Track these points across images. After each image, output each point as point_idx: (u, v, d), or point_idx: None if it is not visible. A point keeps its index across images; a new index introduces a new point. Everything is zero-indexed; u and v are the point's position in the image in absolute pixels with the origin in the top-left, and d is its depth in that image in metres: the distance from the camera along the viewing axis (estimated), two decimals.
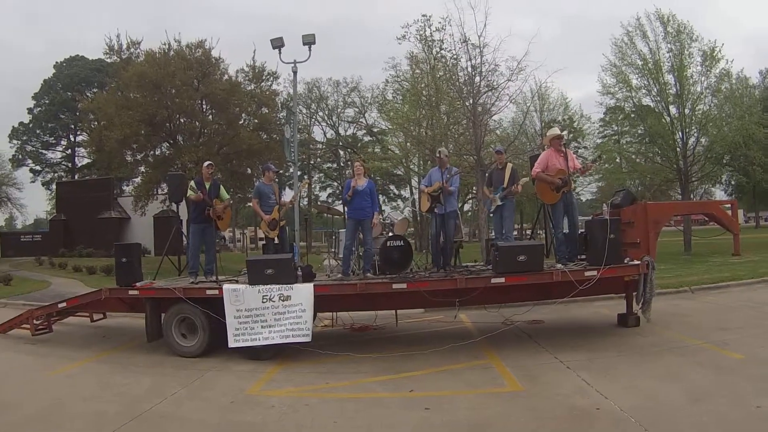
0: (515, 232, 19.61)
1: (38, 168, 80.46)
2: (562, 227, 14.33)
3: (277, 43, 21.88)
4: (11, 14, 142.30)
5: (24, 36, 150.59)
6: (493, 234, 16.46)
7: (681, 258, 32.54)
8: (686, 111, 38.13)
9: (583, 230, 14.61)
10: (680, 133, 38.57)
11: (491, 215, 16.00)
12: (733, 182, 58.90)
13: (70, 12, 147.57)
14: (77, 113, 65.43)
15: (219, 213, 15.24)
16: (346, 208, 15.12)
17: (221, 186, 16.02)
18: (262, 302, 12.49)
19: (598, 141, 56.38)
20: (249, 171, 44.20)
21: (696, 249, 36.28)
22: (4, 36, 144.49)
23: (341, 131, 77.84)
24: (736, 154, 39.46)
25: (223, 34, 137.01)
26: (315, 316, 13.32)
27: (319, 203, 63.46)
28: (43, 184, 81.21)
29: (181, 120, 42.01)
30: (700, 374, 9.93)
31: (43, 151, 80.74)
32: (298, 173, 25.92)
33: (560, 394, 9.31)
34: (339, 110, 75.65)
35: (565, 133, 16.11)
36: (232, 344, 12.49)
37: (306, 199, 65.00)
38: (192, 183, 15.23)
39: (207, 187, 15.16)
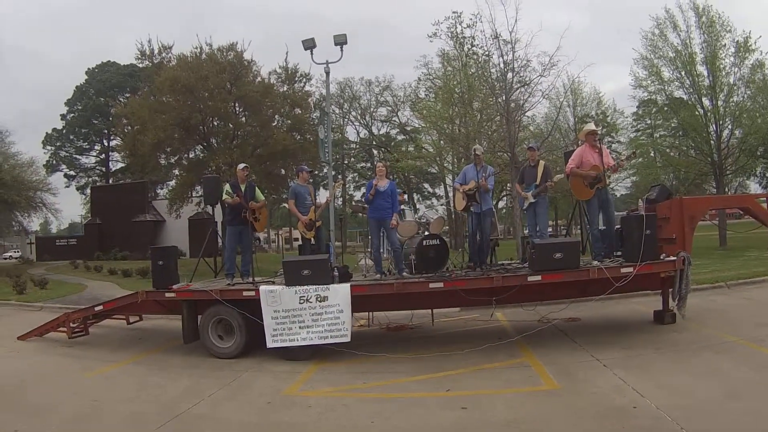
0: (550, 229, 19.48)
1: (72, 173, 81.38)
2: (598, 224, 14.28)
3: (309, 44, 21.90)
4: (41, 23, 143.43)
5: (53, 44, 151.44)
6: (528, 231, 16.41)
7: (716, 253, 32.21)
8: (720, 103, 37.85)
9: (618, 226, 14.54)
10: (714, 126, 38.26)
11: (524, 212, 15.98)
12: (767, 175, 58.36)
13: (101, 19, 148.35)
14: (110, 118, 65.93)
15: (255, 215, 15.31)
16: (369, 209, 15.09)
17: (256, 187, 16.08)
18: (300, 303, 12.57)
19: (632, 135, 56.10)
20: (283, 172, 44.33)
21: (731, 243, 35.95)
22: (33, 45, 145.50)
23: (374, 130, 77.93)
24: None
25: (255, 36, 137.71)
26: (352, 315, 13.31)
27: (354, 203, 63.47)
28: (77, 189, 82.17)
29: (215, 123, 42.33)
30: (737, 371, 9.85)
31: (77, 156, 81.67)
32: (333, 173, 25.94)
33: (597, 392, 9.29)
34: (372, 109, 75.69)
35: (600, 128, 16.02)
36: (270, 344, 12.59)
37: (340, 199, 65.13)
38: (227, 186, 15.27)
39: (242, 189, 15.21)
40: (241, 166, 15.89)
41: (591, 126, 15.16)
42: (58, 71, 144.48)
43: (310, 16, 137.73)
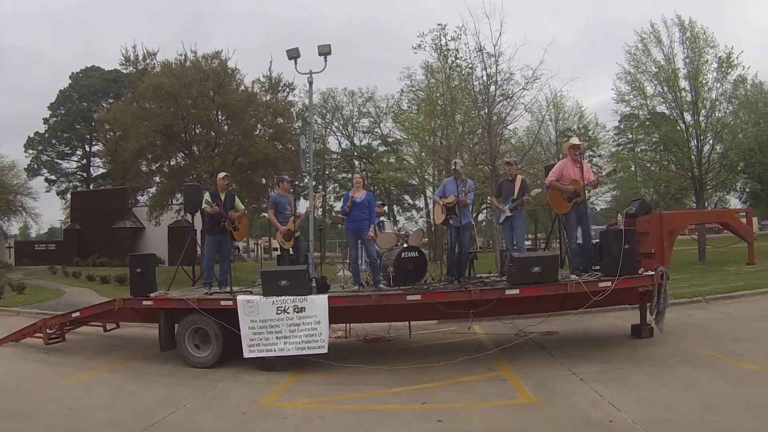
0: (529, 242, 19.57)
1: (53, 177, 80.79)
2: (576, 237, 14.33)
3: (293, 54, 21.92)
4: (41, 23, 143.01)
5: (52, 45, 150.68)
6: (504, 245, 16.44)
7: (695, 267, 32.40)
8: (701, 118, 38.09)
9: (597, 240, 14.59)
10: (695, 141, 38.47)
11: (500, 225, 16.03)
12: (747, 190, 58.68)
13: (100, 19, 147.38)
14: (93, 123, 65.87)
15: (235, 224, 15.29)
16: (346, 221, 15.09)
17: (236, 197, 16.06)
18: (277, 313, 12.54)
19: (613, 149, 56.32)
20: (264, 181, 44.25)
21: (710, 258, 36.08)
22: (32, 45, 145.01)
23: (356, 141, 77.80)
24: (751, 161, 39.44)
25: (256, 38, 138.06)
26: (329, 327, 13.30)
27: (333, 214, 63.55)
28: (58, 194, 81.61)
29: (197, 130, 42.16)
30: (715, 385, 9.89)
31: (59, 161, 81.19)
32: (314, 183, 25.95)
33: (573, 406, 9.31)
34: (354, 120, 75.40)
35: (583, 143, 16.06)
36: (247, 354, 12.54)
37: (320, 210, 65.12)
38: (207, 195, 15.24)
39: (222, 198, 15.20)
40: (222, 174, 15.86)
41: (574, 140, 15.21)
42: (56, 72, 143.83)
43: (311, 17, 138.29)
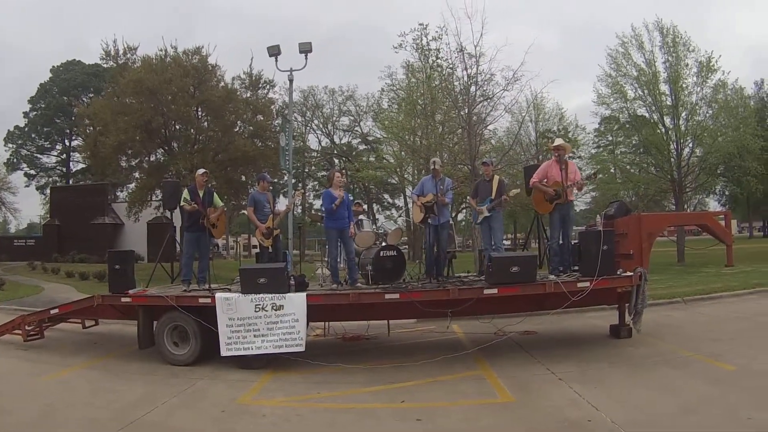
0: (508, 242, 19.59)
1: (33, 172, 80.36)
2: (557, 238, 14.37)
3: (274, 51, 21.85)
4: (25, 16, 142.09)
5: (39, 39, 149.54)
6: (482, 245, 16.45)
7: (674, 269, 32.55)
8: (681, 122, 38.30)
9: (576, 241, 14.64)
10: (675, 144, 38.70)
11: (477, 225, 16.04)
12: (726, 193, 58.94)
13: (85, 16, 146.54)
14: (73, 118, 65.33)
15: (213, 221, 15.26)
16: (325, 219, 15.05)
17: (215, 193, 16.02)
18: (255, 311, 12.49)
19: (593, 151, 56.55)
20: (243, 178, 44.20)
21: (689, 260, 36.29)
22: (15, 40, 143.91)
23: (336, 140, 77.88)
24: (730, 164, 39.65)
25: (224, 43, 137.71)
26: (307, 325, 13.27)
27: (313, 212, 63.47)
28: (37, 189, 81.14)
29: (177, 126, 42.00)
30: (693, 386, 9.96)
31: (38, 156, 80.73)
32: (293, 181, 25.89)
33: (552, 405, 9.32)
34: (334, 118, 75.61)
35: (567, 144, 16.09)
36: (224, 353, 12.47)
37: (300, 208, 65.07)
38: (185, 192, 15.17)
39: (201, 195, 15.14)
40: (201, 171, 15.80)
41: (558, 141, 15.30)
42: (41, 66, 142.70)
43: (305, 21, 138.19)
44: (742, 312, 17.18)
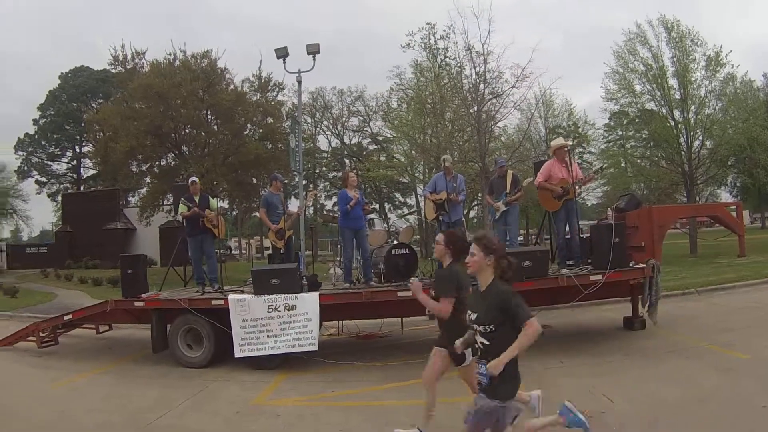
0: (521, 238, 19.56)
1: (44, 179, 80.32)
2: (564, 233, 14.40)
3: (282, 53, 21.80)
4: (32, 27, 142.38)
5: (43, 48, 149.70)
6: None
7: (687, 260, 32.47)
8: (690, 115, 38.22)
9: (588, 235, 14.63)
10: (684, 137, 38.61)
11: (495, 222, 16.02)
12: (738, 184, 58.71)
13: (91, 24, 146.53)
14: (83, 124, 65.42)
15: (212, 221, 15.39)
16: (341, 219, 15.06)
17: (209, 198, 16.19)
18: (268, 312, 12.51)
19: (603, 146, 56.44)
20: (254, 181, 44.25)
21: (702, 251, 36.19)
22: (22, 49, 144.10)
23: (346, 140, 77.79)
24: (740, 156, 39.50)
25: (235, 46, 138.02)
26: (321, 324, 13.28)
27: (324, 212, 63.43)
28: (48, 196, 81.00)
29: (187, 130, 42.13)
30: (707, 376, 9.94)
31: (49, 163, 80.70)
32: (304, 182, 25.90)
33: (566, 398, 9.31)
34: (344, 119, 75.38)
35: (569, 142, 16.11)
36: (238, 354, 12.50)
37: (312, 208, 65.04)
38: (182, 201, 15.44)
39: (197, 200, 15.37)
40: (192, 179, 16.10)
41: (560, 140, 15.35)
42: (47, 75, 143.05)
43: (299, 30, 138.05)
44: (755, 302, 17.12)
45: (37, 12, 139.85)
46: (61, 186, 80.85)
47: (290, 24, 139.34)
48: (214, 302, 13.27)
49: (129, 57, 43.02)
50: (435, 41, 36.74)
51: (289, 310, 12.48)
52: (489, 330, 5.75)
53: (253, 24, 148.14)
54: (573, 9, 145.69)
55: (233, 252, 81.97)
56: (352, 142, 78.32)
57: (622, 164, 44.43)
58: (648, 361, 11.39)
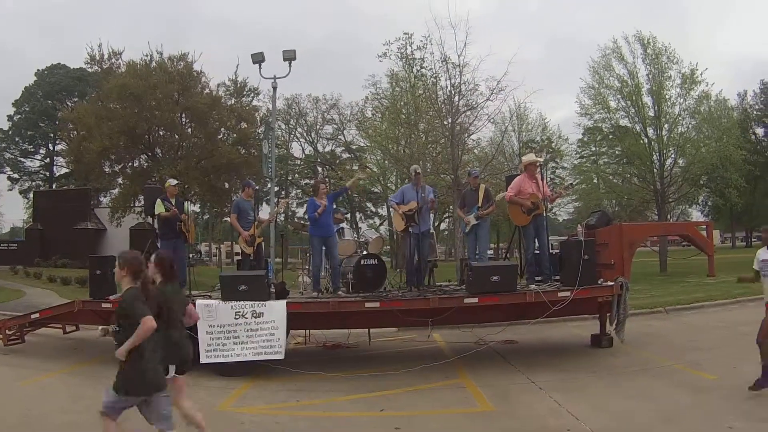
0: (491, 252, 19.65)
1: (16, 176, 79.80)
2: (533, 248, 14.45)
3: (258, 58, 21.84)
4: (24, 23, 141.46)
5: (35, 45, 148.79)
6: (467, 254, 16.47)
7: (657, 278, 32.71)
8: (664, 132, 38.47)
9: (557, 251, 14.69)
10: (657, 154, 38.93)
11: (466, 235, 16.05)
12: (709, 203, 59.37)
13: (84, 24, 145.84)
14: (57, 122, 65.12)
15: (187, 226, 15.43)
16: (310, 227, 15.06)
17: (184, 202, 16.27)
18: (235, 318, 12.45)
19: (576, 162, 56.78)
20: (227, 185, 44.07)
21: (671, 269, 36.51)
22: (13, 44, 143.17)
23: (320, 148, 77.69)
24: (713, 175, 39.88)
25: (213, 49, 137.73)
26: (288, 333, 13.25)
27: (295, 220, 63.45)
28: (20, 193, 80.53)
29: (161, 133, 42.08)
30: (673, 395, 10.01)
31: (22, 159, 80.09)
32: (276, 189, 25.90)
33: (532, 414, 9.34)
34: (318, 127, 75.38)
35: (540, 159, 16.23)
36: (204, 360, 12.38)
37: (283, 216, 65.01)
38: (159, 202, 15.31)
39: (173, 203, 15.30)
40: (174, 182, 16.02)
41: (531, 156, 15.48)
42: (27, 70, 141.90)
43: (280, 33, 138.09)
44: (724, 321, 17.26)
45: (16, 4, 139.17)
46: (34, 183, 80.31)
47: (285, 28, 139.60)
48: None
49: (106, 57, 42.97)
50: (411, 51, 36.79)
51: (256, 317, 12.42)
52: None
53: (237, 30, 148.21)
54: (553, 20, 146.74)
55: (203, 257, 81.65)
56: (326, 149, 78.29)
57: (595, 180, 44.72)
58: (615, 378, 11.46)
